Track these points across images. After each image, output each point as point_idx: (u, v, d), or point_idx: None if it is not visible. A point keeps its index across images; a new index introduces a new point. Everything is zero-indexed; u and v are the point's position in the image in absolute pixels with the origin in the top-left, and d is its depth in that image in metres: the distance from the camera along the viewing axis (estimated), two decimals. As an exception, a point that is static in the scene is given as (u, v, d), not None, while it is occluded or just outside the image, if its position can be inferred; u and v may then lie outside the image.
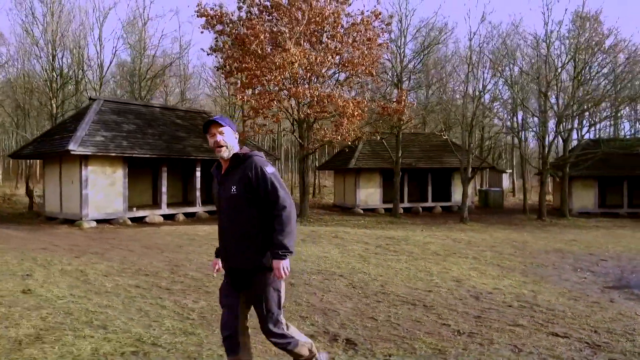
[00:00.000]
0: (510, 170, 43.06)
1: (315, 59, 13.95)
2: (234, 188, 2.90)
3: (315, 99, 14.43)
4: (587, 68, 22.04)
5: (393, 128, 19.09)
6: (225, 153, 2.95)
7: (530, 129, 25.68)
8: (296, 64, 13.56)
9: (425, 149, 24.54)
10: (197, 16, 16.01)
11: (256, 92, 15.14)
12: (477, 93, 19.93)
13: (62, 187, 14.64)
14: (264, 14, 15.48)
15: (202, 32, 17.35)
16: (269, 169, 2.92)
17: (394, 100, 17.14)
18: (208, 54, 17.53)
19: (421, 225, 17.59)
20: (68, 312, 4.84)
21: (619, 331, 4.82)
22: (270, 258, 2.87)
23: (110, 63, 28.58)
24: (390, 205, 22.42)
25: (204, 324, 4.74)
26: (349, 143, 16.88)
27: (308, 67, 14.40)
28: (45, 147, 14.78)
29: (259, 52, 14.05)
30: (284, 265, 2.86)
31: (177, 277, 6.87)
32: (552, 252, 11.08)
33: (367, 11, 16.22)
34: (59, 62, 22.41)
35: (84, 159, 13.75)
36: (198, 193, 17.12)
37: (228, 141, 2.96)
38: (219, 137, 2.93)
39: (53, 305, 5.07)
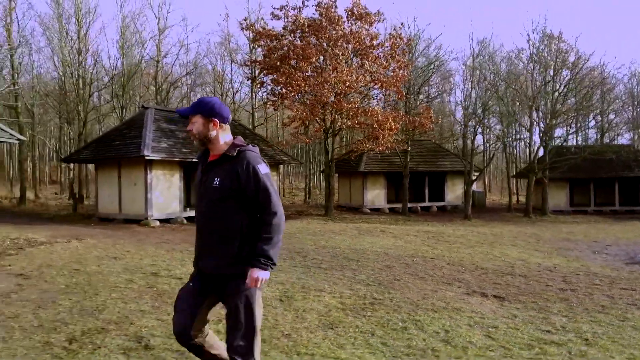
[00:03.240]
0: (478, 173, 46.71)
1: (357, 78, 15.97)
2: (217, 180, 2.60)
3: (353, 112, 16.43)
4: (561, 84, 25.20)
5: (407, 137, 21.33)
6: (197, 142, 2.72)
7: (520, 138, 28.62)
8: (347, 82, 15.52)
9: (421, 153, 27.04)
10: (242, 29, 17.62)
11: (306, 103, 16.90)
12: (471, 105, 22.52)
13: (121, 190, 15.88)
14: (309, 35, 17.27)
15: (253, 45, 18.60)
16: (263, 168, 2.61)
17: (418, 113, 19.40)
18: (243, 65, 19.14)
19: (431, 222, 19.89)
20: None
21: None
22: (249, 266, 2.54)
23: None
24: (393, 205, 24.95)
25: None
26: (385, 151, 18.93)
27: (349, 84, 16.39)
28: (105, 151, 15.96)
29: (308, 71, 15.94)
30: (264, 277, 2.55)
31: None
32: (564, 241, 13.59)
33: (388, 31, 18.40)
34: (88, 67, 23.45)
35: (149, 164, 15.11)
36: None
37: (197, 130, 2.67)
38: (190, 127, 2.68)
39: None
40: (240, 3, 54.91)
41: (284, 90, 17.10)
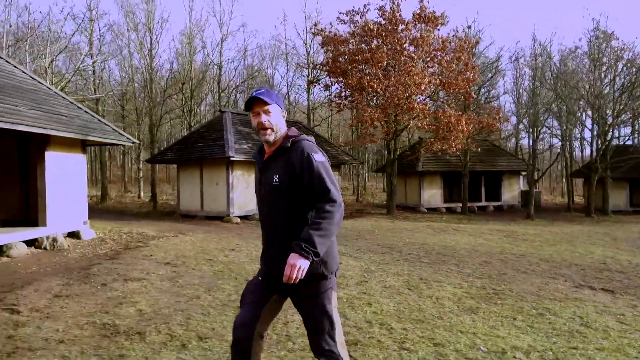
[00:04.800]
0: (525, 172, 45.98)
1: (429, 81, 16.49)
2: (276, 177, 2.44)
3: (424, 113, 16.94)
4: (623, 82, 24.73)
5: (475, 137, 21.51)
6: (272, 136, 2.48)
7: (582, 138, 28.27)
8: (421, 85, 16.09)
9: (478, 153, 27.11)
10: (313, 34, 18.41)
11: (376, 105, 17.53)
12: (533, 106, 22.49)
13: (203, 189, 16.99)
14: (377, 39, 17.87)
15: (323, 49, 19.26)
16: (318, 156, 2.42)
17: (486, 114, 19.69)
18: (300, 67, 19.94)
19: (494, 221, 20.08)
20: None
21: None
22: (291, 249, 2.32)
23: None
24: (449, 205, 25.21)
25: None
26: (457, 152, 19.32)
27: (424, 87, 16.91)
28: (188, 153, 17.10)
29: (380, 74, 16.58)
30: (301, 264, 2.27)
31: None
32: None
33: (449, 33, 18.72)
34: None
35: (231, 164, 16.12)
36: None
37: (275, 122, 2.47)
38: (264, 118, 2.45)
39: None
40: (297, 6, 56.15)
41: (354, 93, 17.76)
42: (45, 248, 9.04)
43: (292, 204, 2.44)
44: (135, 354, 3.81)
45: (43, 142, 9.11)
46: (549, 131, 28.36)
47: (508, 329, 4.78)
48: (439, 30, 18.56)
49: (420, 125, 17.18)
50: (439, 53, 18.04)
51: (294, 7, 46.22)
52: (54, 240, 9.17)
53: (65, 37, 18.65)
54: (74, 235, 10.09)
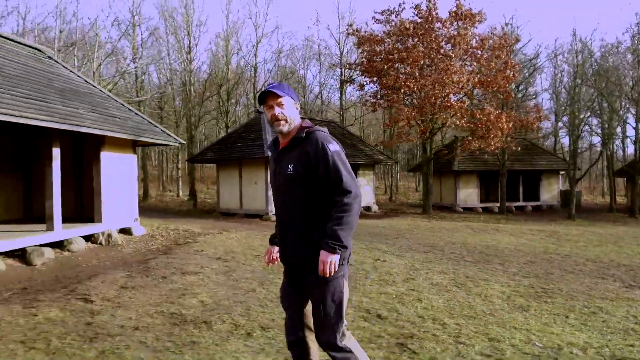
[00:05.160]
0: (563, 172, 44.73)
1: (467, 79, 16.40)
2: (290, 167, 2.49)
3: (462, 112, 16.85)
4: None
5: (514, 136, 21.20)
6: (285, 127, 2.54)
7: (625, 137, 27.43)
8: (460, 84, 16.05)
9: (515, 152, 26.65)
10: (347, 34, 18.58)
11: (413, 104, 17.56)
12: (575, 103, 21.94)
13: (242, 188, 17.40)
14: (414, 38, 17.89)
15: (359, 49, 19.29)
16: (332, 146, 2.46)
17: (525, 112, 19.41)
18: (333, 67, 20.09)
19: (534, 221, 19.73)
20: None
21: None
22: (320, 247, 2.41)
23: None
24: (486, 205, 24.87)
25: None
26: (496, 151, 19.14)
27: (462, 85, 16.84)
28: (228, 152, 17.55)
29: (416, 73, 16.62)
30: (332, 259, 2.37)
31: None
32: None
33: (485, 30, 18.51)
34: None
35: (268, 163, 16.42)
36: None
37: (288, 114, 2.53)
38: (277, 110, 2.51)
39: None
40: (330, 7, 56.64)
41: (390, 93, 17.82)
42: (100, 243, 9.53)
43: (307, 194, 2.48)
44: (205, 341, 4.07)
45: (98, 143, 9.60)
46: (590, 129, 27.60)
47: (561, 326, 4.81)
48: (476, 28, 18.40)
49: (458, 123, 17.07)
50: (477, 51, 17.88)
51: (327, 8, 46.29)
52: (109, 236, 9.65)
53: (110, 42, 19.44)
54: (125, 231, 10.57)
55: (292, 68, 33.66)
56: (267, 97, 2.55)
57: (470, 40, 17.32)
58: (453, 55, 16.78)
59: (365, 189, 21.04)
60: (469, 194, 25.30)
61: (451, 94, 16.80)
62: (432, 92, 16.29)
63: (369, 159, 20.74)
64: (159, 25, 37.01)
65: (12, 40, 9.65)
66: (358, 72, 21.22)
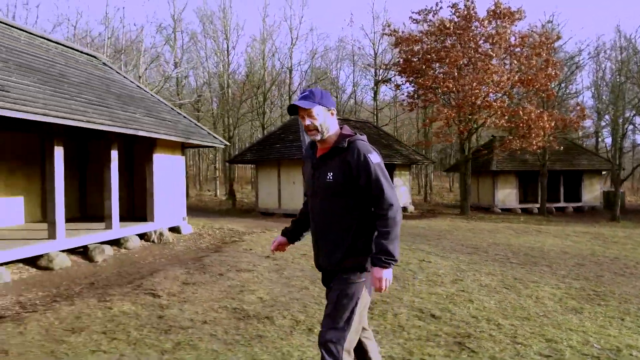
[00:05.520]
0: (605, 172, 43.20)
1: (508, 78, 16.22)
2: (330, 175, 2.49)
3: (502, 111, 16.67)
4: None
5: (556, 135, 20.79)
6: (318, 136, 2.54)
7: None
8: (500, 83, 15.91)
9: (556, 151, 26.04)
10: (386, 35, 18.65)
11: (452, 104, 17.50)
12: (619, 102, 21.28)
13: (280, 188, 17.75)
14: (453, 37, 17.80)
15: (396, 49, 19.20)
16: (374, 157, 2.47)
17: (567, 110, 19.03)
18: (385, 68, 20.17)
19: (576, 223, 19.26)
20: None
21: None
22: (367, 258, 2.46)
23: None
24: (526, 206, 24.44)
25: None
26: (537, 150, 18.88)
27: (502, 84, 16.68)
28: (267, 153, 17.94)
29: (455, 73, 16.55)
30: (387, 276, 2.40)
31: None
32: None
33: (529, 29, 18.21)
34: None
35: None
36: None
37: (319, 123, 2.51)
38: (307, 121, 2.52)
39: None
40: (364, 7, 56.73)
41: (428, 92, 17.79)
42: (153, 241, 9.98)
43: (346, 203, 2.49)
44: (271, 335, 4.31)
45: (150, 145, 10.05)
46: (634, 128, 26.63)
47: (618, 328, 4.82)
48: (515, 26, 18.12)
49: (497, 123, 16.87)
50: (517, 49, 17.61)
51: (361, 8, 46.20)
52: (161, 234, 10.10)
53: (154, 47, 20.16)
54: (174, 230, 11.02)
55: (326, 69, 33.90)
56: (298, 109, 2.55)
57: (509, 39, 17.06)
58: (494, 55, 16.59)
59: (401, 190, 21.06)
60: (507, 194, 24.88)
61: (490, 93, 16.61)
62: (471, 92, 16.17)
63: (406, 159, 20.74)
64: (197, 29, 37.86)
65: (71, 48, 10.22)
66: (393, 72, 21.20)
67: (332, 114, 2.58)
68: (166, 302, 5.27)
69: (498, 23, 18.14)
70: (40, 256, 7.13)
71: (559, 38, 19.83)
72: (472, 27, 17.62)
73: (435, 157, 47.29)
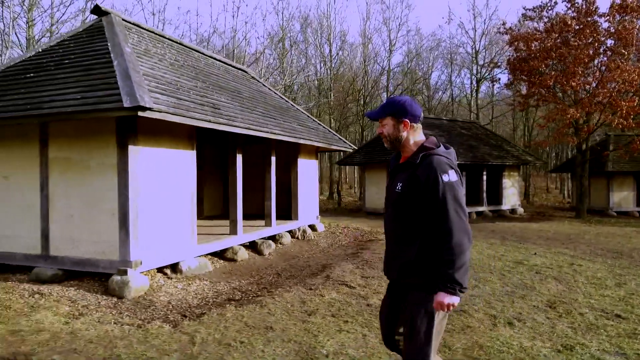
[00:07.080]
0: None
1: (639, 76, 15.49)
2: (399, 185, 2.51)
3: (631, 111, 15.91)
4: None
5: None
6: (387, 144, 2.63)
7: None
8: (633, 82, 15.28)
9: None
10: (500, 33, 18.48)
11: (576, 104, 16.99)
12: None
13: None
14: (574, 35, 17.25)
15: (512, 47, 18.98)
16: (445, 177, 2.38)
17: None
18: (494, 67, 19.94)
19: None
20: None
21: None
22: (437, 289, 2.38)
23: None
24: (645, 208, 22.85)
25: None
26: None
27: (635, 83, 15.96)
28: (375, 155, 18.60)
29: (579, 71, 16.09)
30: (448, 301, 2.35)
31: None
32: None
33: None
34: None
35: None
36: (484, 194, 19.65)
37: (387, 132, 2.59)
38: (380, 129, 2.63)
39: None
40: (463, 4, 55.76)
41: (545, 91, 17.40)
42: (297, 237, 10.97)
43: (411, 216, 2.46)
44: (477, 327, 4.85)
45: (295, 150, 11.04)
46: None
47: None
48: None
49: (625, 123, 16.09)
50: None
51: (459, 6, 45.42)
52: (304, 231, 11.07)
53: (274, 58, 21.52)
54: (311, 227, 11.97)
55: (425, 70, 33.87)
56: (374, 117, 2.69)
57: (638, 34, 16.16)
58: (626, 53, 15.83)
59: (509, 191, 20.71)
60: (623, 197, 23.45)
61: (621, 92, 15.87)
62: (598, 91, 15.56)
63: (516, 159, 20.35)
64: (299, 37, 39.52)
65: (228, 64, 11.48)
66: (501, 70, 20.84)
67: (406, 125, 2.56)
68: (363, 293, 6.01)
69: (625, 18, 17.22)
70: (226, 249, 8.25)
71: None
72: (592, 23, 16.91)
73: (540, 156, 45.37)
